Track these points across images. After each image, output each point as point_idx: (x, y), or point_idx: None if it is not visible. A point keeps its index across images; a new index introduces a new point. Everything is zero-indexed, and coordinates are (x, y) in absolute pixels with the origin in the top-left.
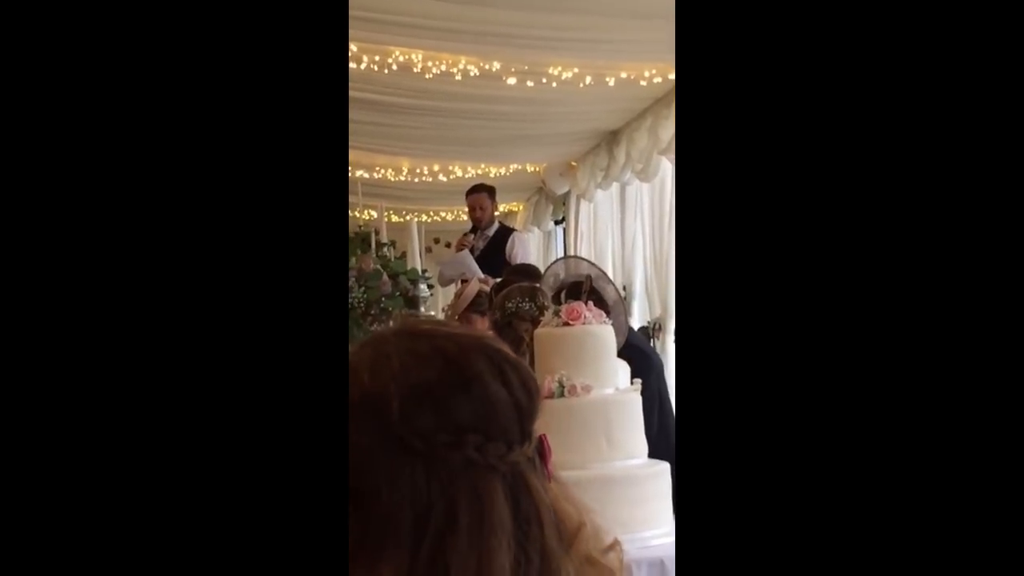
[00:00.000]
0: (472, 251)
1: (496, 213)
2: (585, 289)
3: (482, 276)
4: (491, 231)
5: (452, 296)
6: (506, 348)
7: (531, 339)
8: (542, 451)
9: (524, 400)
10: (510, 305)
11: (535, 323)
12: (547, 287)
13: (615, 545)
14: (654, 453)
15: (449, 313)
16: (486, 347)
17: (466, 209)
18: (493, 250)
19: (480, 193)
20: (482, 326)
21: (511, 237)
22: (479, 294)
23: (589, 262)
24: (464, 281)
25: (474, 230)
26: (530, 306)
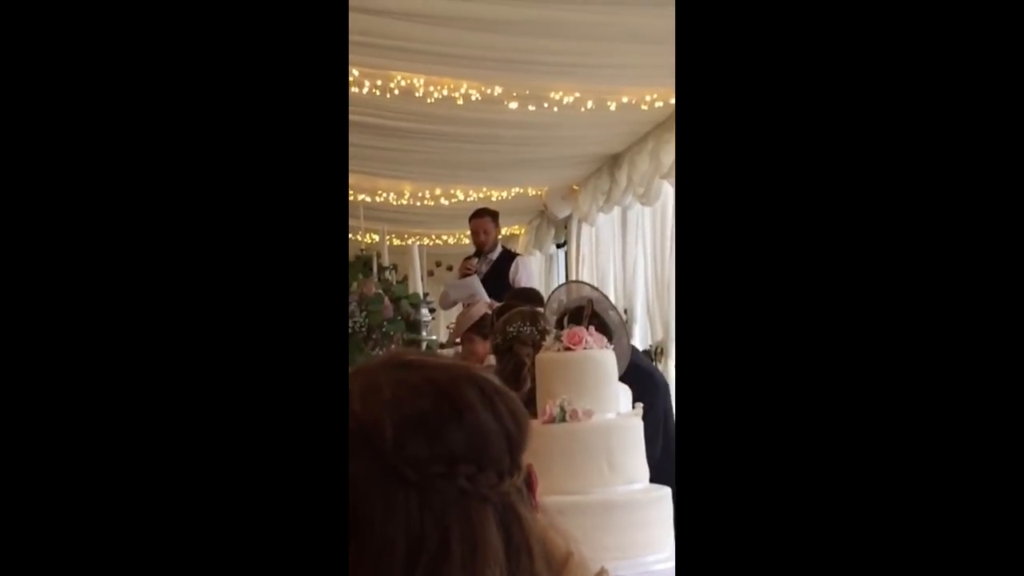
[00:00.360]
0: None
1: (498, 236)
2: (586, 314)
3: (489, 300)
4: (494, 255)
5: (454, 318)
6: (495, 378)
7: (533, 363)
8: (530, 481)
9: (514, 430)
10: (511, 329)
11: (537, 347)
12: (551, 313)
13: (602, 574)
14: (659, 473)
15: (452, 333)
16: (475, 377)
17: (468, 233)
18: (497, 274)
19: (484, 217)
20: (483, 348)
21: (515, 261)
22: (483, 317)
23: (591, 286)
24: (468, 305)
25: (477, 254)
26: (531, 330)
